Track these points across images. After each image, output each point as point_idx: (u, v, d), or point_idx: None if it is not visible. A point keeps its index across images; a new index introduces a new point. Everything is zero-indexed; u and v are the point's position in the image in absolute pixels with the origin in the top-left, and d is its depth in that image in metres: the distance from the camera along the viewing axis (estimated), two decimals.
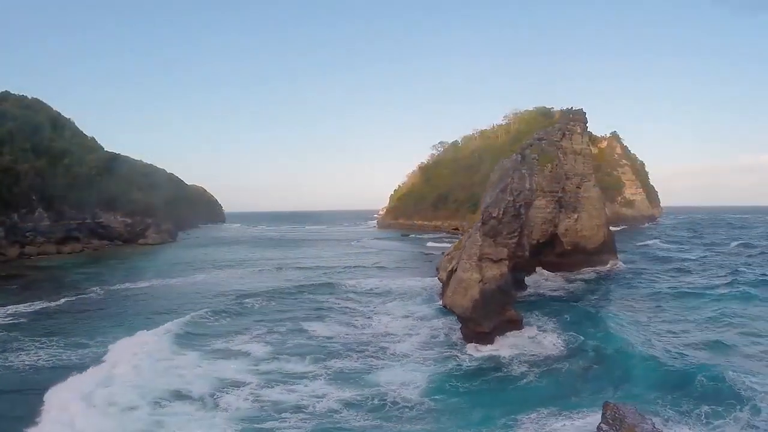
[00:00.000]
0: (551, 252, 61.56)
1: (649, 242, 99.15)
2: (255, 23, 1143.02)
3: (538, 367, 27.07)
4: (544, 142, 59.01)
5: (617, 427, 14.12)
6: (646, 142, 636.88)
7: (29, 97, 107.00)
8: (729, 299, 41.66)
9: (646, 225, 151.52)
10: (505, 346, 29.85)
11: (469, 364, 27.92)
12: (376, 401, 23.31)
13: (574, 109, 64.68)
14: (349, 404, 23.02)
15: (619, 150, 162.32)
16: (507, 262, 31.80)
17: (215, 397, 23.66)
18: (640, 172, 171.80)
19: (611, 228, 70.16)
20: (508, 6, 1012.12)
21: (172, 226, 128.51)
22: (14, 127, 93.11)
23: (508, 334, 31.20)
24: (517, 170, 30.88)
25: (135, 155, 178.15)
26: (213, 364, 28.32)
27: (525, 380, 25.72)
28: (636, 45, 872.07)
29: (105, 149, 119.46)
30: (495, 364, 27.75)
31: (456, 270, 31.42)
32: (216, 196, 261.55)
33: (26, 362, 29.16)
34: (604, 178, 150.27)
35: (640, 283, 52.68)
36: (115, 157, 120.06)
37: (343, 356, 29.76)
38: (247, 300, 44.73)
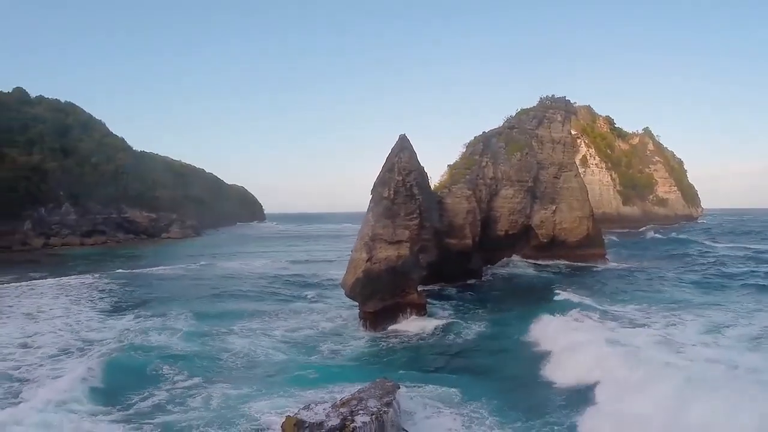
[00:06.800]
0: (526, 244, 60.73)
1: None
2: (285, 31, 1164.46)
3: (402, 349, 27.03)
4: (515, 130, 58.49)
5: None
6: (693, 142, 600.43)
7: (62, 100, 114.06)
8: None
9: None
10: (386, 328, 30.26)
11: (336, 341, 28.28)
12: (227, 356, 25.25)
13: (555, 96, 63.35)
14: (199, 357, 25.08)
15: (651, 147, 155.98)
16: (408, 244, 32.07)
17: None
18: (675, 170, 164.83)
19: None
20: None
21: (197, 222, 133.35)
22: (44, 129, 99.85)
23: (402, 317, 31.40)
24: (406, 149, 31.12)
25: (178, 156, 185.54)
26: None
27: (374, 361, 25.40)
28: (686, 44, 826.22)
29: (134, 149, 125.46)
30: (362, 344, 27.96)
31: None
32: (261, 197, 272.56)
33: None
34: (635, 175, 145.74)
35: (606, 280, 48.76)
36: (142, 156, 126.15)
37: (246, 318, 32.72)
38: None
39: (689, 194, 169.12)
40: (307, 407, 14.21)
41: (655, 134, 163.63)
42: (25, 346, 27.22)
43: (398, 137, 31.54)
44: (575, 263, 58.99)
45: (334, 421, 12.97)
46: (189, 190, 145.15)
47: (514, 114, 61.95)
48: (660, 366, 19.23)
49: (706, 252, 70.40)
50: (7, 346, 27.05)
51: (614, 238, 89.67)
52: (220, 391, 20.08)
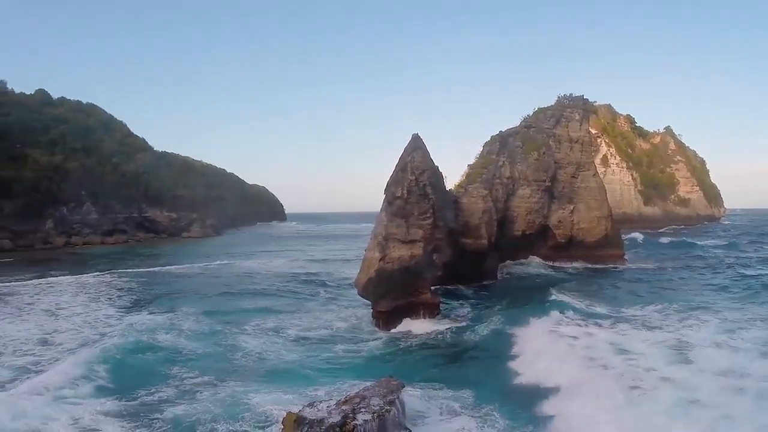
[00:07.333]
0: (544, 245, 60.11)
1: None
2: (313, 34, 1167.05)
3: (414, 349, 26.92)
4: (532, 129, 58.10)
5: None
6: (716, 141, 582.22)
7: (84, 102, 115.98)
8: None
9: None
10: (398, 328, 30.10)
11: (349, 340, 28.31)
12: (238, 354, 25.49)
13: (573, 95, 62.72)
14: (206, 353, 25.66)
15: (673, 146, 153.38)
16: (422, 243, 31.93)
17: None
18: (698, 169, 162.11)
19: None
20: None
21: (218, 221, 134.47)
22: (66, 129, 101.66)
23: (415, 316, 31.11)
24: (419, 149, 31.00)
25: (200, 156, 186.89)
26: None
27: (386, 360, 25.31)
28: (708, 42, 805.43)
29: (155, 149, 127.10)
30: (375, 343, 27.78)
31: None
32: (283, 197, 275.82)
33: None
34: (656, 174, 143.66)
35: (622, 282, 47.77)
36: (164, 156, 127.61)
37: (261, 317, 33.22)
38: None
39: (711, 194, 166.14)
40: (311, 404, 14.23)
41: (676, 133, 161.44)
42: (44, 342, 27.80)
43: (411, 137, 31.48)
44: (593, 264, 58.16)
45: (335, 419, 12.95)
46: (210, 190, 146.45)
47: (531, 113, 61.62)
48: (657, 381, 18.78)
49: (726, 253, 69.03)
50: (27, 341, 27.67)
51: (638, 236, 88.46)
52: (230, 388, 20.19)
